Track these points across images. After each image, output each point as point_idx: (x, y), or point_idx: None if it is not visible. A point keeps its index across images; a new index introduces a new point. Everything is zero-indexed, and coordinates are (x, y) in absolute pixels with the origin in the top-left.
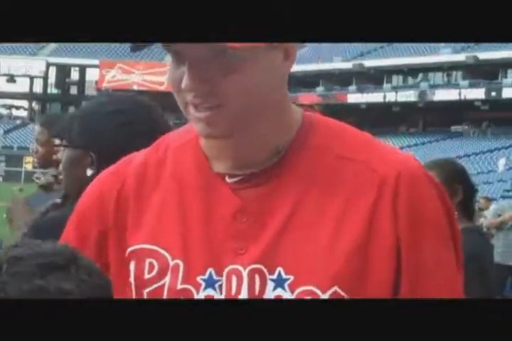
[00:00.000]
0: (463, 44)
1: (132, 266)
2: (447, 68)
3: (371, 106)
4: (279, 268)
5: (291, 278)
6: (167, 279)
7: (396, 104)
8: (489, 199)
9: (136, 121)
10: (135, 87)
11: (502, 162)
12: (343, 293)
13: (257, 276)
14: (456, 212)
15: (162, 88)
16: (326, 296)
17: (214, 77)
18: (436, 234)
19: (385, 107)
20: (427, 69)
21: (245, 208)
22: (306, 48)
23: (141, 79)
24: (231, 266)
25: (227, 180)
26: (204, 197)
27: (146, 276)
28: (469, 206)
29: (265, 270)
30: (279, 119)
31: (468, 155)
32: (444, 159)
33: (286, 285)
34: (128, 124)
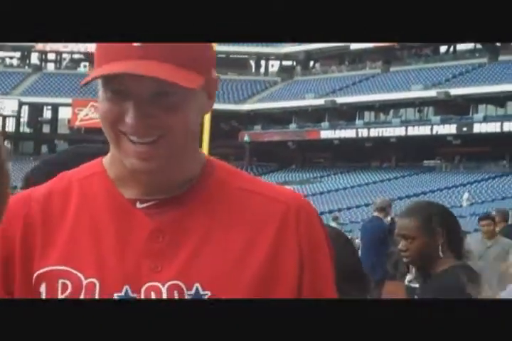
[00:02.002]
0: (434, 80)
1: (43, 287)
2: (419, 104)
3: (344, 142)
4: (197, 285)
5: (208, 293)
6: (81, 298)
7: (368, 139)
8: (463, 233)
9: None
10: None
11: (465, 197)
12: None
13: (175, 292)
14: (443, 252)
15: None
16: None
17: (157, 113)
18: (324, 252)
19: (358, 143)
20: (398, 105)
21: (161, 229)
22: (279, 85)
23: None
24: (149, 283)
25: (138, 205)
26: (116, 221)
27: (60, 296)
28: (456, 246)
29: (183, 286)
30: (193, 153)
31: (441, 189)
32: (422, 203)
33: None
34: None
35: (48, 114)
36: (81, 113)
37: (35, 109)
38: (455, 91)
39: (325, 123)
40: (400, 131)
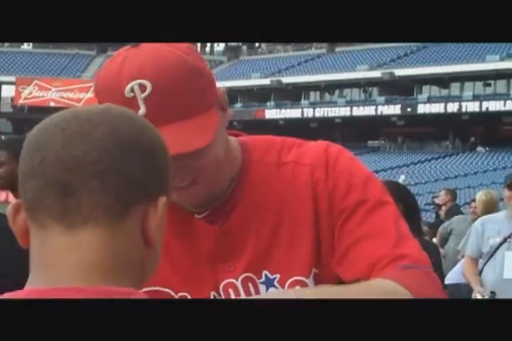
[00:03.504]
0: (379, 61)
1: None
2: (364, 84)
3: (289, 122)
4: (265, 272)
5: (278, 276)
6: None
7: (314, 119)
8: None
9: None
10: (52, 104)
11: (401, 179)
12: (317, 271)
13: (249, 284)
14: None
15: (79, 105)
16: (310, 280)
17: (187, 164)
18: (357, 189)
19: (303, 123)
20: (343, 85)
21: (223, 232)
22: (225, 65)
23: (58, 96)
24: (225, 281)
25: (197, 216)
26: (182, 233)
27: None
28: (413, 223)
29: (254, 276)
30: (229, 162)
31: (385, 170)
32: (388, 180)
33: (275, 282)
34: None
35: None
36: (25, 91)
37: None
38: (400, 71)
39: (270, 103)
40: (344, 111)
